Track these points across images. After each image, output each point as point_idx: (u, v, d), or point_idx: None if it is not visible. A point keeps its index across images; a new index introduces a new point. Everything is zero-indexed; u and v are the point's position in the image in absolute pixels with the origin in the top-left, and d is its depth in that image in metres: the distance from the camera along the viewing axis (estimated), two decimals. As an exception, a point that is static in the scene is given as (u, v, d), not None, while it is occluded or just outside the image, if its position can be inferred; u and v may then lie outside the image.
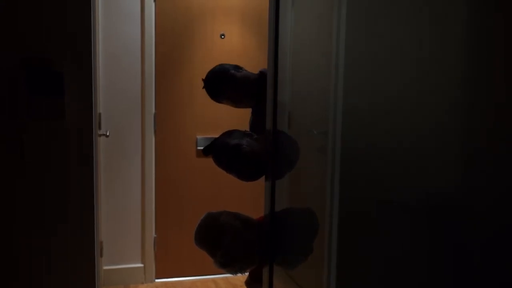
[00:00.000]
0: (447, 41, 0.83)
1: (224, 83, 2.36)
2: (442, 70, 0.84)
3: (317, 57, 1.56)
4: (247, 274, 2.26)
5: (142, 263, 4.09)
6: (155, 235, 4.09)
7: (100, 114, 3.70)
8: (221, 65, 2.44)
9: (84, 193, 2.73)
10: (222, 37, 4.06)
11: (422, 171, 0.92)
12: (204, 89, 2.40)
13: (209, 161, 2.23)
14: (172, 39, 3.99)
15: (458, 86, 0.81)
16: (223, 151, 2.09)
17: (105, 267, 3.93)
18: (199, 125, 4.10)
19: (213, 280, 4.14)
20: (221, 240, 1.93)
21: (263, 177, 2.16)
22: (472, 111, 0.78)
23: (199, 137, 4.08)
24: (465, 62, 0.79)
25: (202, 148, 2.32)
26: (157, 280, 4.11)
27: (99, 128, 3.71)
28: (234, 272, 1.99)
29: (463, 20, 0.80)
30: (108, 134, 3.64)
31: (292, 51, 1.81)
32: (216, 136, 2.29)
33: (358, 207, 1.20)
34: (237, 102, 2.41)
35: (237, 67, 2.41)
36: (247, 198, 3.96)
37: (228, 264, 1.94)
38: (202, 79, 2.41)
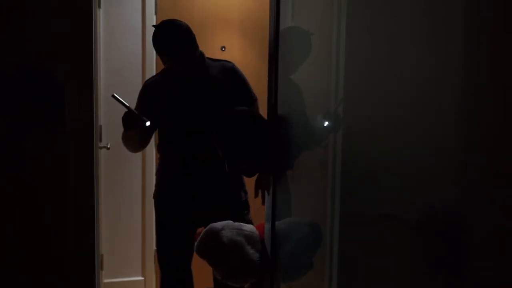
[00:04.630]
0: (449, 52, 0.84)
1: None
2: (445, 81, 0.84)
3: (317, 69, 1.56)
4: None
5: (142, 276, 4.07)
6: (156, 248, 4.07)
7: (101, 126, 3.71)
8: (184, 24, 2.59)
9: (85, 206, 2.72)
10: (223, 49, 4.07)
11: (422, 184, 0.91)
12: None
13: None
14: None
15: (460, 97, 0.81)
16: (243, 120, 2.02)
17: (106, 280, 3.91)
18: (200, 137, 4.10)
19: (214, 293, 4.12)
20: (223, 256, 1.91)
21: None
22: (474, 121, 0.78)
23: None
24: (467, 70, 0.79)
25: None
26: (157, 293, 4.09)
27: (100, 140, 3.71)
28: (236, 284, 1.98)
29: (463, 24, 0.80)
30: (109, 146, 3.64)
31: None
32: None
33: (359, 220, 1.19)
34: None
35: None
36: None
37: (230, 278, 1.93)
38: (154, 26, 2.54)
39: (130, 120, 2.51)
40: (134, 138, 2.68)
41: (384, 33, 1.04)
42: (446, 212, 0.85)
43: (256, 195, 2.54)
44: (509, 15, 0.67)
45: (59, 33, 2.61)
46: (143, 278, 4.05)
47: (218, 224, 1.99)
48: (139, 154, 3.95)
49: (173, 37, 2.47)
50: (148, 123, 2.53)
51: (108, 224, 3.94)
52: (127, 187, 3.98)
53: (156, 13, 3.92)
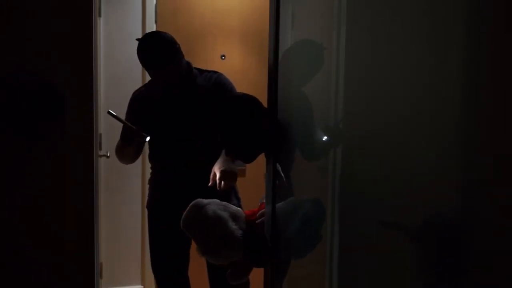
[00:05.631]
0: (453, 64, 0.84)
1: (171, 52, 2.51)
2: (445, 87, 0.85)
3: (317, 77, 1.57)
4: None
5: (142, 284, 4.05)
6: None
7: (101, 134, 3.71)
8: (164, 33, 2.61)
9: (84, 214, 2.72)
10: (223, 58, 4.09)
11: (423, 193, 0.91)
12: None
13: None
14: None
15: (460, 100, 0.81)
16: (244, 104, 2.04)
17: (105, 289, 3.90)
18: (200, 146, 4.10)
19: (213, 302, 4.09)
20: (206, 229, 1.94)
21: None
22: (475, 126, 0.78)
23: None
24: (467, 71, 0.79)
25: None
26: (157, 302, 4.07)
27: (100, 148, 3.71)
28: (216, 261, 1.99)
29: (463, 24, 0.80)
30: (108, 154, 3.63)
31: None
32: None
33: (359, 226, 1.19)
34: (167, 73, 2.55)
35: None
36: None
37: (209, 252, 1.95)
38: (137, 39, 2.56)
39: (130, 135, 2.55)
40: (131, 151, 2.72)
41: (384, 40, 1.04)
42: (446, 218, 0.85)
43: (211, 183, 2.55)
44: (509, 15, 0.67)
45: (60, 42, 2.62)
46: (142, 287, 4.04)
47: (205, 200, 2.02)
48: (139, 162, 3.95)
49: (157, 49, 2.50)
50: (148, 138, 2.57)
51: (108, 232, 3.92)
52: (126, 195, 3.97)
53: (156, 22, 3.93)
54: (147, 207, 2.90)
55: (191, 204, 2.03)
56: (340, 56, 1.31)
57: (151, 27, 3.91)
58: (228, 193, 2.75)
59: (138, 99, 2.78)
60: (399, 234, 1.01)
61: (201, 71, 2.79)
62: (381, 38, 1.05)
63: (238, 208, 2.06)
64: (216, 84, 2.73)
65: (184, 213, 2.03)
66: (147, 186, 3.93)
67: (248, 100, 2.04)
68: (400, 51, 0.97)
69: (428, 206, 0.90)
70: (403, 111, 0.97)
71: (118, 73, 3.87)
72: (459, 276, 0.81)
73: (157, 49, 2.50)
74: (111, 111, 2.53)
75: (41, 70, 2.61)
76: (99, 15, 3.68)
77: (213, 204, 1.99)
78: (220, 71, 4.06)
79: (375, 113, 1.09)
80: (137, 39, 2.57)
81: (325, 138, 1.44)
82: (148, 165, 3.92)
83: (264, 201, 2.07)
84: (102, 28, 3.81)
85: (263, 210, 2.02)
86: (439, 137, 0.85)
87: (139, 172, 3.97)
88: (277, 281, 1.88)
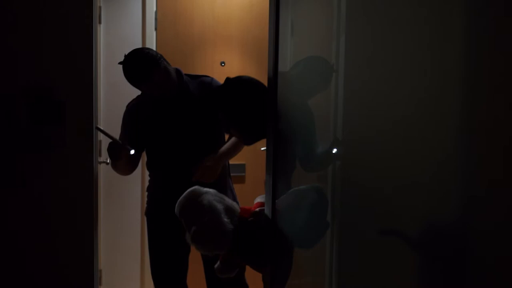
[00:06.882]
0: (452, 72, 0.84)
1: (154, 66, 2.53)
2: (446, 94, 0.85)
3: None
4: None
5: (141, 292, 4.04)
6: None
7: (100, 141, 3.71)
8: (147, 50, 2.63)
9: (83, 221, 2.72)
10: (223, 64, 4.10)
11: (423, 200, 0.91)
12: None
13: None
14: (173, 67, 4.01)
15: (463, 108, 0.81)
16: (248, 85, 2.06)
17: (104, 296, 3.88)
18: (199, 153, 4.10)
19: (213, 309, 4.07)
20: (199, 216, 1.95)
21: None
22: (476, 136, 0.78)
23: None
24: (467, 73, 0.80)
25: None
26: (156, 310, 4.05)
27: (100, 155, 3.71)
28: (204, 251, 2.01)
29: (463, 24, 0.81)
30: (108, 161, 3.63)
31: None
32: None
33: (359, 229, 1.19)
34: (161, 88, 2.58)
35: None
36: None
37: (197, 241, 1.96)
38: (121, 63, 2.59)
39: (115, 150, 2.56)
40: (122, 164, 2.73)
41: (384, 47, 1.05)
42: (447, 220, 0.85)
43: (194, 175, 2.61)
44: (509, 15, 0.68)
45: (60, 49, 2.63)
46: (141, 294, 4.03)
47: (203, 188, 2.05)
48: (138, 169, 3.94)
49: (140, 63, 2.53)
50: (132, 152, 2.60)
51: (107, 238, 3.92)
52: (126, 202, 3.97)
53: (156, 29, 3.95)
54: (145, 214, 2.91)
55: (189, 190, 2.05)
56: (340, 65, 1.31)
57: (151, 34, 3.92)
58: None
59: (133, 110, 2.81)
60: (399, 238, 1.01)
61: (193, 77, 2.81)
62: (381, 40, 1.06)
63: (234, 202, 2.07)
64: (208, 89, 2.75)
65: (181, 197, 2.04)
66: (146, 193, 3.94)
67: (254, 81, 2.07)
68: (400, 52, 0.98)
69: (428, 207, 0.90)
70: (404, 112, 0.97)
71: (118, 80, 3.87)
72: (459, 276, 0.81)
73: (140, 62, 2.53)
74: (99, 126, 2.60)
75: (42, 76, 2.62)
76: (99, 22, 3.69)
77: (210, 194, 2.01)
78: (219, 78, 4.08)
79: (375, 115, 1.09)
80: (119, 63, 2.60)
81: (326, 149, 1.44)
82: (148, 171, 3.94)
83: (260, 201, 2.08)
84: (103, 35, 3.82)
85: (257, 209, 2.03)
86: (439, 138, 0.86)
87: (138, 178, 3.97)
88: (278, 284, 1.87)
